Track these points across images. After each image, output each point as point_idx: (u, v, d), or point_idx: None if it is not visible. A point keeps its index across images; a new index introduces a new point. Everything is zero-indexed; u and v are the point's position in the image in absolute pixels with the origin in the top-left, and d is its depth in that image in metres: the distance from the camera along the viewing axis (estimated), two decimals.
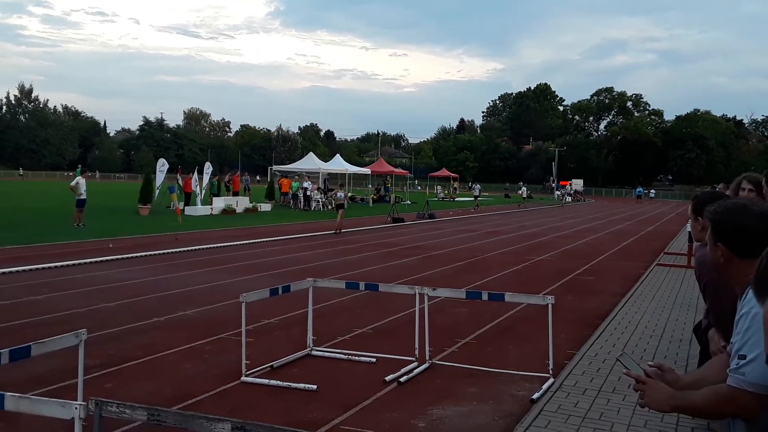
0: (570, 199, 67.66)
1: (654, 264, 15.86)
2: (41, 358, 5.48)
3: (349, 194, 42.50)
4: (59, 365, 6.36)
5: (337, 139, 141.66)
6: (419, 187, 74.94)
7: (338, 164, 44.14)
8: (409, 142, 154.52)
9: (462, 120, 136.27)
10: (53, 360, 6.31)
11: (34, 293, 10.32)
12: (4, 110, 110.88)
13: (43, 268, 12.68)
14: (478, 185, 51.13)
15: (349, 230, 23.50)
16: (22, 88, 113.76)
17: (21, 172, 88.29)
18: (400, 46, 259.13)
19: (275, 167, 45.85)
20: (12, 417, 4.80)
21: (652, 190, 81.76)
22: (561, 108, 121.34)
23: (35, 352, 4.23)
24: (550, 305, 6.55)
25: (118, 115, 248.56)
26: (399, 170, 57.23)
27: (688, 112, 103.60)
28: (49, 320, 8.57)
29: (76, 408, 2.95)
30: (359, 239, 20.64)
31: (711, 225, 2.46)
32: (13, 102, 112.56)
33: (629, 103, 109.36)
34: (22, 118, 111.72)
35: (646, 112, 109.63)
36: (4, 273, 11.92)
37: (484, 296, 7.24)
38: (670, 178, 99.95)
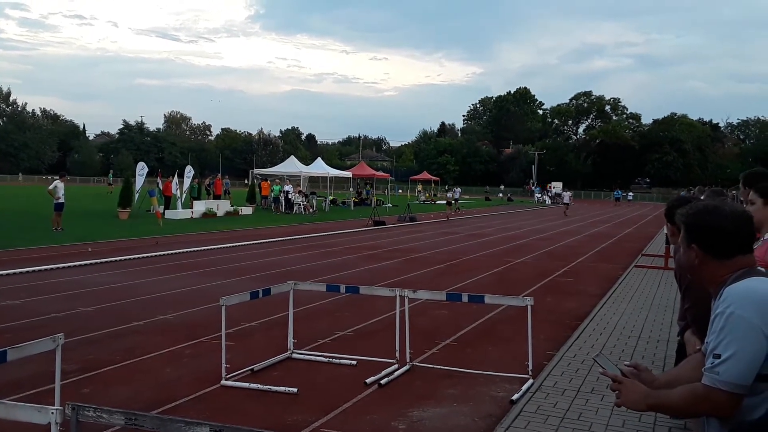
0: (549, 202, 68.13)
1: (632, 266, 16.02)
2: (18, 363, 5.42)
3: (330, 197, 42.48)
4: (36, 370, 6.29)
5: (318, 142, 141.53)
6: (400, 190, 75.06)
7: (319, 168, 44.07)
8: (391, 145, 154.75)
9: (443, 123, 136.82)
10: (30, 365, 6.24)
11: (11, 297, 10.19)
12: None
13: (21, 272, 12.53)
14: (458, 188, 50.94)
15: (330, 233, 23.48)
16: None
17: (20, 177, 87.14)
18: (380, 49, 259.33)
19: (256, 171, 45.67)
20: None
21: (630, 193, 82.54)
22: (540, 112, 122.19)
23: (11, 357, 4.19)
24: (529, 306, 6.59)
25: (98, 118, 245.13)
26: (380, 173, 57.25)
27: (665, 115, 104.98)
28: (26, 325, 8.47)
29: (52, 413, 2.93)
30: (340, 242, 20.62)
31: (684, 227, 2.50)
32: None
33: (607, 107, 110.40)
34: None
35: (624, 116, 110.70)
36: None
37: (465, 298, 7.27)
38: (648, 180, 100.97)
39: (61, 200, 21.07)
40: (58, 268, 13.27)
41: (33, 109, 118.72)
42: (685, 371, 2.62)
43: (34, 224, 22.75)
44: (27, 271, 12.65)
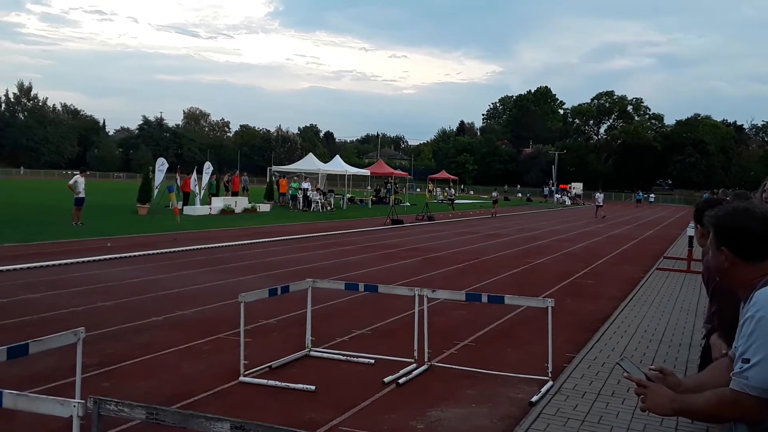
0: (569, 203, 67.66)
1: (653, 268, 15.86)
2: (39, 356, 5.47)
3: (348, 195, 42.52)
4: (57, 363, 6.34)
5: (337, 140, 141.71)
6: (418, 189, 74.94)
7: (338, 165, 44.14)
8: (409, 143, 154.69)
9: (462, 122, 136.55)
10: (51, 358, 6.29)
11: (32, 291, 10.29)
12: (3, 108, 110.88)
13: (42, 266, 12.65)
14: (495, 192, 48.74)
15: (347, 231, 23.49)
16: (21, 86, 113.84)
17: (22, 171, 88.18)
18: (399, 47, 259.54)
19: (274, 168, 45.82)
20: (8, 414, 4.78)
21: (652, 195, 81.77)
22: (561, 111, 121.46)
23: (33, 350, 4.21)
24: (549, 308, 6.53)
25: (117, 114, 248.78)
26: (399, 172, 57.23)
27: (688, 116, 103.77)
28: (46, 318, 8.55)
29: (74, 406, 2.94)
30: (358, 240, 20.62)
31: (713, 230, 2.45)
32: (12, 100, 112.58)
33: (629, 107, 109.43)
34: (21, 116, 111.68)
35: (647, 116, 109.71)
36: (2, 271, 11.89)
37: (484, 298, 7.23)
38: (670, 182, 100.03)
39: (82, 195, 21.26)
40: (77, 262, 13.39)
41: (54, 104, 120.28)
42: (712, 375, 2.57)
43: (54, 218, 22.98)
44: (47, 265, 12.77)
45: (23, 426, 4.99)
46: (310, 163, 42.16)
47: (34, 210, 27.28)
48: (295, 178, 39.50)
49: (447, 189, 46.34)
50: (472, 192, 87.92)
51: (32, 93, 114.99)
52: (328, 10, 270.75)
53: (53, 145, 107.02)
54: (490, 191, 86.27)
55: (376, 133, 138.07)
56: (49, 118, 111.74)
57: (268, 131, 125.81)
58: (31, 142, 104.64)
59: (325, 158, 61.02)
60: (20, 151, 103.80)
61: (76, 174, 22.38)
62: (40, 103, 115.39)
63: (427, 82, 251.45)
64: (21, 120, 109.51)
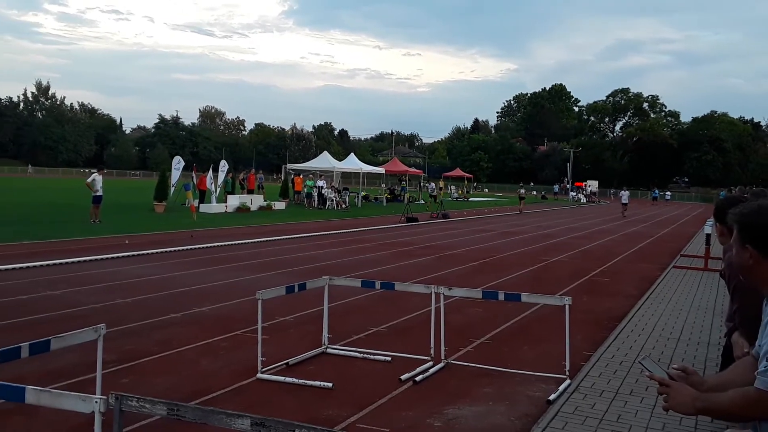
0: (585, 200, 67.28)
1: (670, 266, 15.74)
2: (59, 352, 5.51)
3: (363, 193, 42.53)
4: (76, 360, 6.40)
5: (351, 138, 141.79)
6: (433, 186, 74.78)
7: (352, 163, 44.16)
8: (423, 141, 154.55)
9: (476, 120, 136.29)
10: (70, 354, 6.35)
11: (51, 288, 10.39)
12: (21, 107, 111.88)
13: (61, 263, 12.77)
14: (431, 184, 46.75)
15: (362, 229, 23.51)
16: (39, 85, 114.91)
17: (30, 169, 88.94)
18: (413, 45, 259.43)
19: (289, 166, 45.93)
20: (30, 410, 4.83)
21: (668, 192, 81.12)
22: (576, 109, 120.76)
23: (54, 346, 4.25)
24: (567, 306, 6.50)
25: (134, 112, 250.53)
26: (413, 170, 57.18)
27: (705, 113, 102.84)
28: (66, 315, 8.63)
29: (96, 402, 2.96)
30: (373, 238, 20.63)
31: (737, 227, 2.43)
32: (30, 99, 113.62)
33: (645, 105, 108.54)
34: (39, 114, 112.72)
35: (663, 113, 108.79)
36: (21, 268, 12.02)
37: (501, 296, 7.20)
38: (686, 180, 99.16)
39: (99, 193, 21.43)
40: (96, 259, 13.50)
41: (71, 103, 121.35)
42: (735, 374, 2.55)
43: (72, 216, 23.18)
44: (66, 263, 12.89)
45: (45, 421, 5.05)
46: (324, 161, 42.22)
47: (52, 208, 27.54)
48: (311, 176, 39.58)
49: (426, 184, 43.88)
50: (486, 190, 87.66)
51: (50, 92, 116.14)
52: (342, 8, 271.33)
53: (71, 144, 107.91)
54: (505, 189, 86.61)
55: (390, 131, 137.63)
56: (67, 117, 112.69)
57: (283, 129, 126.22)
58: (49, 140, 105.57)
59: (339, 156, 61.09)
60: (38, 149, 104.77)
61: (94, 172, 22.56)
62: (58, 102, 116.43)
63: (441, 80, 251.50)
64: (39, 119, 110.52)
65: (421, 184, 55.17)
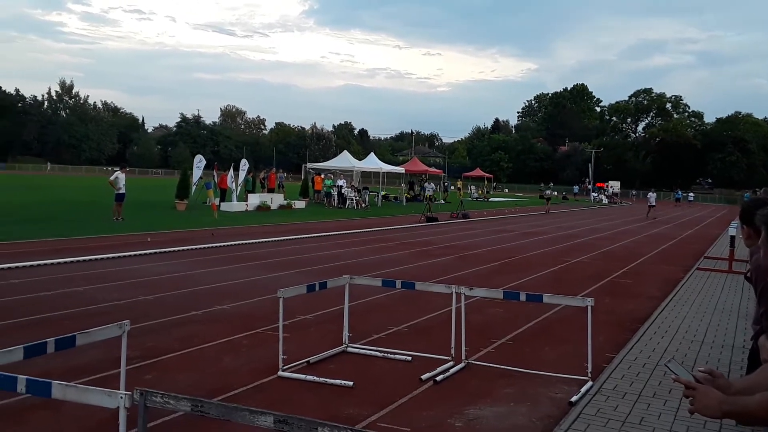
0: (607, 201, 66.73)
1: (694, 268, 15.56)
2: (81, 349, 5.57)
3: (383, 193, 42.52)
4: (99, 356, 6.47)
5: (371, 137, 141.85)
6: (453, 187, 74.64)
7: (372, 163, 44.19)
8: (443, 141, 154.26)
9: (497, 120, 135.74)
10: (93, 351, 6.42)
11: (74, 285, 10.51)
12: (45, 106, 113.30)
13: (84, 260, 12.91)
14: (431, 184, 42.12)
15: (382, 229, 23.52)
16: (63, 84, 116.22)
17: (48, 167, 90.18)
18: (433, 45, 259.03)
19: (309, 165, 46.06)
20: (55, 405, 4.89)
21: (691, 194, 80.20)
22: (598, 109, 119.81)
23: (80, 342, 4.30)
24: (589, 307, 6.45)
25: (156, 111, 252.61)
26: (433, 169, 57.09)
27: (729, 114, 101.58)
28: (89, 312, 8.73)
29: (121, 397, 2.99)
30: (393, 238, 20.63)
31: (765, 229, 2.39)
32: (54, 98, 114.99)
33: (668, 105, 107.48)
34: (62, 113, 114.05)
35: (686, 114, 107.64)
36: (46, 264, 12.18)
37: (522, 297, 7.16)
38: (710, 181, 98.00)
39: (122, 191, 21.63)
40: (118, 257, 13.64)
41: (94, 102, 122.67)
42: (762, 377, 2.52)
43: (95, 214, 23.43)
44: (89, 260, 13.03)
45: (69, 416, 5.10)
46: (344, 160, 42.29)
47: (76, 206, 27.86)
48: (330, 175, 39.66)
49: (425, 184, 40.97)
50: (506, 190, 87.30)
51: (74, 91, 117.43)
52: (363, 8, 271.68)
53: (94, 142, 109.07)
54: (526, 189, 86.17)
55: (410, 131, 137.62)
56: (90, 116, 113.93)
57: (303, 129, 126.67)
58: (73, 139, 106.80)
59: (359, 156, 61.19)
60: (62, 147, 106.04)
61: (116, 170, 22.78)
62: (82, 101, 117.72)
63: (462, 80, 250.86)
64: (63, 117, 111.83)
65: (444, 184, 55.07)
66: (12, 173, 75.02)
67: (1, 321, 8.05)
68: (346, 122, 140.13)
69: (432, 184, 40.25)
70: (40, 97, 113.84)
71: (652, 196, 41.70)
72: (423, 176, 50.75)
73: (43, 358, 4.99)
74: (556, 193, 71.17)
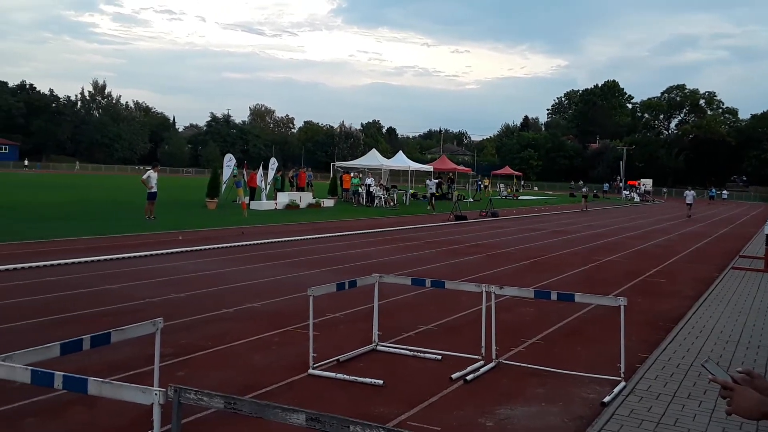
0: (638, 199, 65.88)
1: (729, 267, 15.28)
2: (115, 345, 5.65)
3: (411, 191, 42.44)
4: (134, 352, 6.56)
5: (399, 136, 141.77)
6: (482, 185, 74.30)
7: (401, 161, 44.13)
8: (472, 139, 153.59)
9: (526, 117, 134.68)
10: (126, 347, 6.51)
11: (108, 282, 10.67)
12: (79, 106, 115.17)
13: (117, 258, 13.10)
14: (433, 181, 40.08)
15: (411, 227, 23.50)
16: (95, 85, 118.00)
17: (77, 166, 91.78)
18: (461, 42, 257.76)
19: (338, 163, 46.17)
20: (90, 401, 4.97)
21: (725, 191, 78.86)
22: (629, 106, 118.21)
23: (114, 339, 4.35)
24: (622, 307, 6.37)
25: (187, 111, 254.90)
26: (461, 167, 56.86)
27: (765, 110, 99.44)
28: (123, 309, 8.85)
29: (156, 394, 3.02)
30: (421, 236, 20.59)
31: None
32: (87, 98, 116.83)
33: (702, 101, 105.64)
34: (95, 113, 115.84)
35: (720, 110, 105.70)
36: (81, 262, 12.38)
37: (553, 296, 7.09)
38: (745, 179, 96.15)
39: (154, 189, 21.90)
40: (151, 255, 13.81)
41: (126, 102, 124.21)
42: None
43: (128, 213, 23.77)
44: (122, 258, 13.22)
45: (104, 412, 5.18)
46: (373, 158, 42.31)
47: (109, 205, 28.29)
48: (357, 174, 39.68)
49: (427, 181, 37.53)
50: (536, 188, 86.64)
51: (106, 91, 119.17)
52: (391, 6, 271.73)
53: (126, 142, 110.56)
54: (555, 187, 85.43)
55: (438, 129, 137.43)
56: (122, 116, 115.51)
57: (332, 127, 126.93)
58: (106, 138, 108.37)
59: (387, 154, 61.14)
60: (95, 147, 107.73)
61: (149, 169, 23.07)
62: (114, 101, 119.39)
63: (490, 77, 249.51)
64: (96, 117, 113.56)
65: (477, 182, 54.93)
66: (46, 172, 76.46)
67: (38, 318, 8.21)
68: (374, 120, 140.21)
69: (435, 181, 39.37)
70: (73, 98, 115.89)
71: (690, 194, 40.67)
72: (449, 174, 50.50)
73: (78, 354, 5.08)
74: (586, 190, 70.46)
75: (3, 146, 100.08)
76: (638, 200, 65.34)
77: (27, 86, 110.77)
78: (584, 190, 48.98)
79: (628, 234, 24.73)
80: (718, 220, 37.81)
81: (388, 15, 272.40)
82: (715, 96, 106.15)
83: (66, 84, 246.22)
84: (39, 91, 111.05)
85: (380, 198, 35.61)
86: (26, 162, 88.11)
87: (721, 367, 2.42)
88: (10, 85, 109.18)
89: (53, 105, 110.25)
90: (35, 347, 3.88)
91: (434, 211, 28.74)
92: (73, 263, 12.26)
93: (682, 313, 9.81)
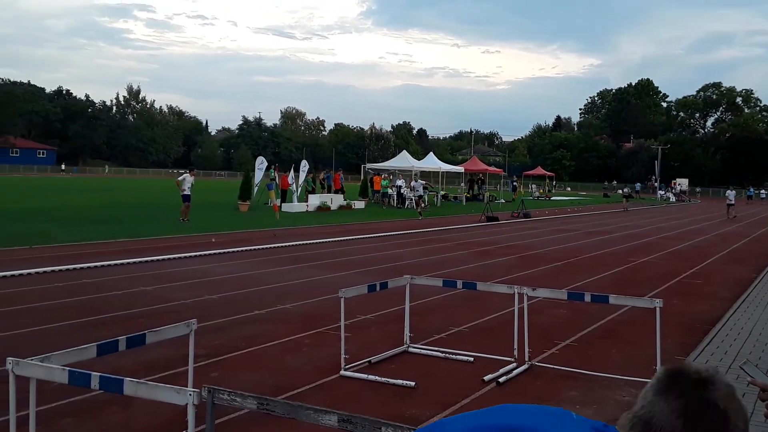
0: (674, 199, 64.84)
1: (767, 269, 14.94)
2: (149, 346, 5.73)
3: (442, 192, 42.32)
4: (168, 353, 6.64)
5: (430, 137, 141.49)
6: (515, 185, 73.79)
7: (431, 162, 44.06)
8: (503, 140, 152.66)
9: (558, 117, 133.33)
10: (160, 348, 6.59)
11: (143, 284, 10.83)
12: (114, 110, 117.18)
13: (152, 260, 13.29)
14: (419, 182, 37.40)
15: (442, 228, 23.43)
16: (130, 90, 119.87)
17: (106, 170, 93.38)
18: (492, 42, 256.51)
19: (368, 165, 46.26)
20: (126, 401, 5.04)
21: (764, 190, 77.11)
22: (664, 104, 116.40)
23: (149, 340, 4.42)
24: (658, 308, 6.26)
25: (219, 115, 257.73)
26: (493, 168, 56.56)
27: None
28: (157, 310, 8.97)
29: (190, 395, 3.05)
30: (453, 237, 20.52)
31: None
32: (122, 103, 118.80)
33: (739, 99, 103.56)
34: (130, 118, 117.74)
35: (758, 108, 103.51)
36: (117, 264, 12.59)
37: (587, 297, 7.01)
38: None
39: (186, 192, 22.13)
40: (184, 257, 13.98)
41: (160, 106, 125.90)
42: None
43: (162, 216, 24.10)
44: (157, 260, 13.40)
45: (140, 412, 5.25)
46: (404, 160, 42.30)
47: (143, 207, 28.72)
48: (389, 176, 39.70)
49: (414, 183, 35.41)
50: (569, 188, 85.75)
51: (140, 96, 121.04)
52: (420, 7, 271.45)
53: (160, 146, 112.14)
54: (589, 188, 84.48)
55: (469, 130, 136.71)
56: (156, 120, 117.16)
57: (362, 129, 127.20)
58: (140, 142, 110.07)
59: (418, 155, 61.09)
60: (130, 151, 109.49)
61: (184, 173, 23.34)
62: (148, 106, 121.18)
63: (521, 77, 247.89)
64: (131, 122, 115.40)
65: (513, 183, 54.58)
66: (83, 176, 77.94)
67: (75, 320, 8.37)
68: (404, 122, 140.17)
69: (422, 182, 37.22)
70: (108, 102, 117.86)
71: (731, 194, 39.56)
72: (480, 175, 50.14)
73: (114, 355, 5.16)
74: (620, 191, 69.57)
75: (41, 151, 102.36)
76: (674, 200, 64.28)
77: (64, 92, 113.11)
78: (626, 190, 49.32)
79: (663, 234, 24.34)
80: (756, 220, 37.01)
81: (417, 16, 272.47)
82: (752, 94, 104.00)
83: (101, 89, 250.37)
84: (75, 97, 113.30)
85: (411, 199, 35.55)
86: (63, 166, 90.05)
87: (761, 370, 2.37)
88: (48, 91, 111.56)
89: (89, 110, 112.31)
90: (72, 348, 3.95)
91: (421, 217, 28.10)
92: (108, 265, 12.47)
93: (719, 315, 9.62)
